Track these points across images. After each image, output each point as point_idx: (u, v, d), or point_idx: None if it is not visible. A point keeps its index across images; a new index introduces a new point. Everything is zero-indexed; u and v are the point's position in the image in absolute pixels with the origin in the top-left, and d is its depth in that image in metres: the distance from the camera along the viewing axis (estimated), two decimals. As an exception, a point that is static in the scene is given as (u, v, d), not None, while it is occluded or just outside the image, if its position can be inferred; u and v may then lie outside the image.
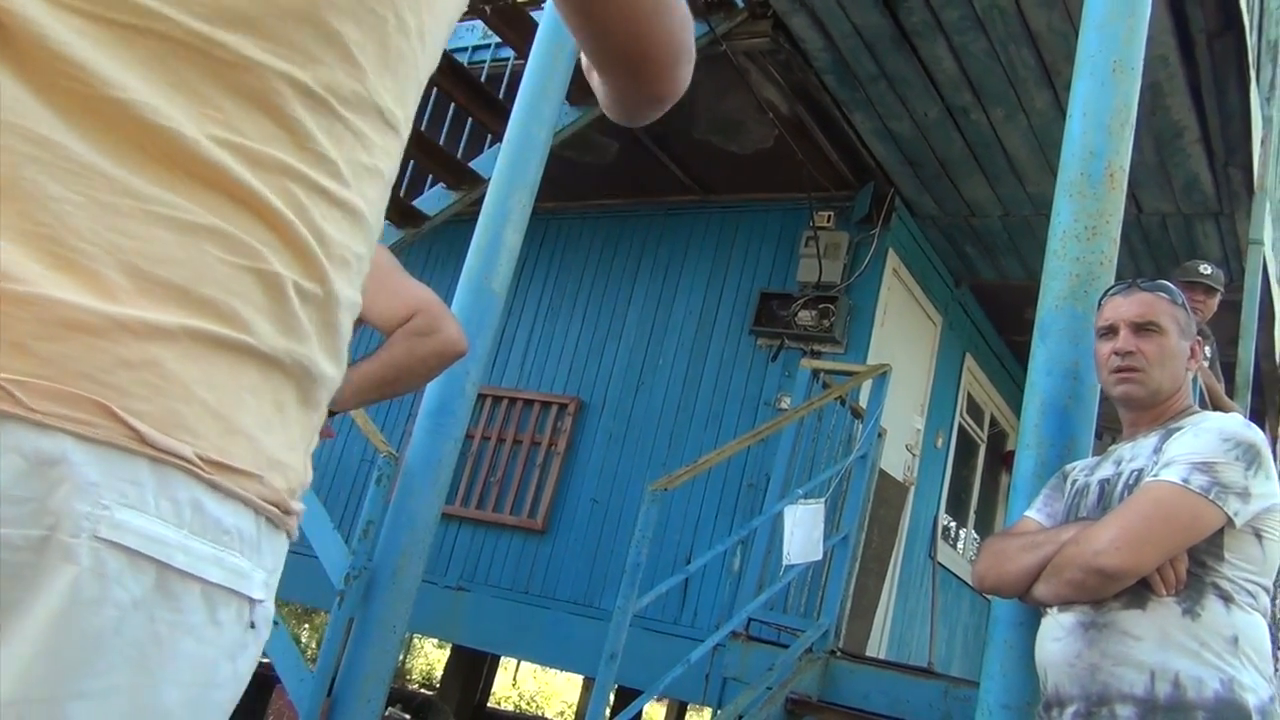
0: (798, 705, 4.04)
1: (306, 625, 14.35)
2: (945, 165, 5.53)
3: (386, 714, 5.18)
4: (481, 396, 6.18)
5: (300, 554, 3.74)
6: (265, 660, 3.78)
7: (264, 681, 5.94)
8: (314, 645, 13.44)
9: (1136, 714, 1.72)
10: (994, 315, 7.51)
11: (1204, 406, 4.38)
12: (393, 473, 3.29)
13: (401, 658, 15.38)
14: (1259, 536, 1.83)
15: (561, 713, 16.33)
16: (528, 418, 6.20)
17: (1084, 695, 1.80)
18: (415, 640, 15.98)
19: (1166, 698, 1.71)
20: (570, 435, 6.04)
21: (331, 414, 2.23)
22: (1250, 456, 1.82)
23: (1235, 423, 1.88)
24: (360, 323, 2.52)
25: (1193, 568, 1.80)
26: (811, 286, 5.75)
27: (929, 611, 6.63)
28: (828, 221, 5.83)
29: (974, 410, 7.61)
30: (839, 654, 4.45)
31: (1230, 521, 1.78)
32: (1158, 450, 1.91)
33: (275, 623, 3.27)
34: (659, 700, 16.42)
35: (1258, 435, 1.86)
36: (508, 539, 5.95)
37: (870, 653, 5.63)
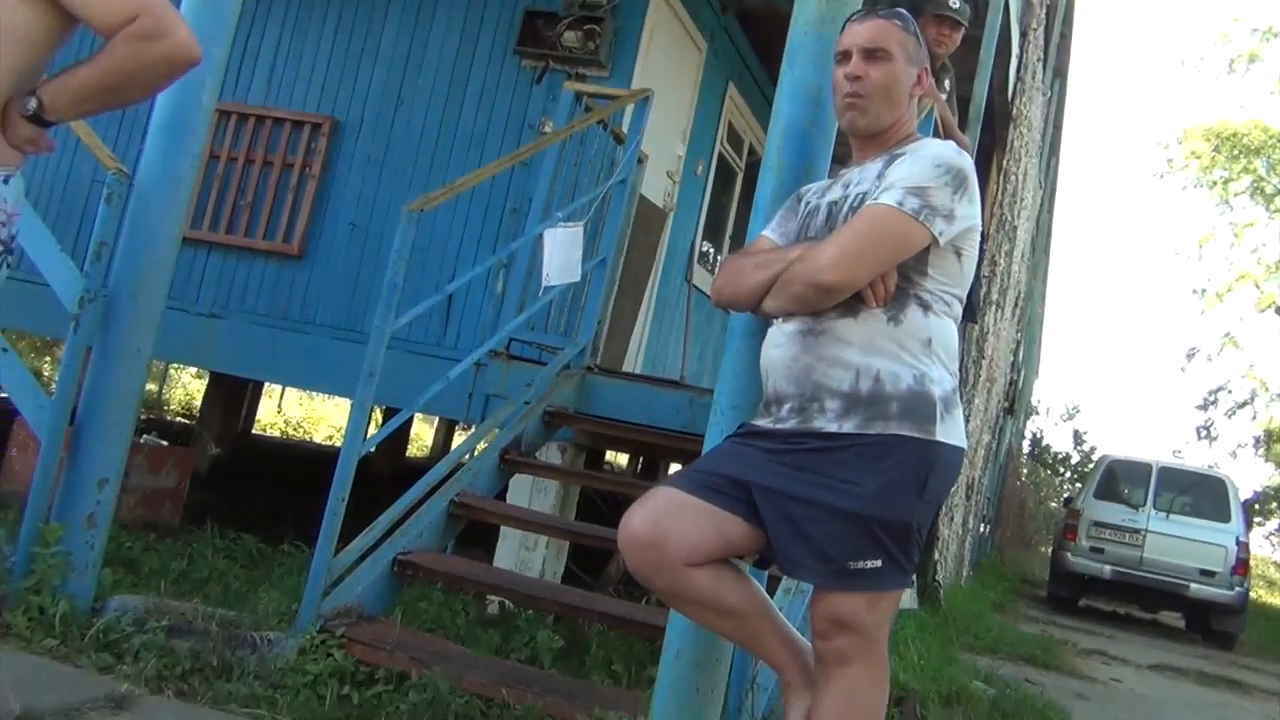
0: (555, 417, 4.28)
1: (48, 358, 13.59)
2: (715, -120, 5.35)
3: (141, 440, 5.10)
4: (225, 113, 5.77)
5: (31, 282, 3.52)
6: (2, 395, 3.60)
7: (2, 414, 5.66)
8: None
9: (841, 406, 1.95)
10: (758, 44, 7.55)
11: (938, 137, 4.68)
12: (125, 191, 3.08)
13: (157, 387, 14.94)
14: (959, 254, 2.04)
15: (330, 437, 16.54)
16: (278, 137, 5.85)
17: (799, 393, 2.00)
18: (171, 370, 15.51)
19: (868, 392, 1.94)
20: (325, 157, 5.77)
21: (49, 124, 2.04)
22: (958, 182, 1.99)
23: (948, 150, 2.04)
24: (78, 23, 2.27)
25: (900, 281, 1.99)
26: (577, 6, 5.56)
27: (683, 331, 7.03)
28: (595, -64, 5.57)
29: (734, 139, 7.79)
30: (595, 370, 4.70)
31: (935, 241, 1.97)
32: (881, 175, 2.05)
33: (4, 350, 3.10)
34: (429, 422, 16.86)
35: (966, 162, 2.03)
36: (262, 264, 5.75)
37: (626, 369, 5.96)
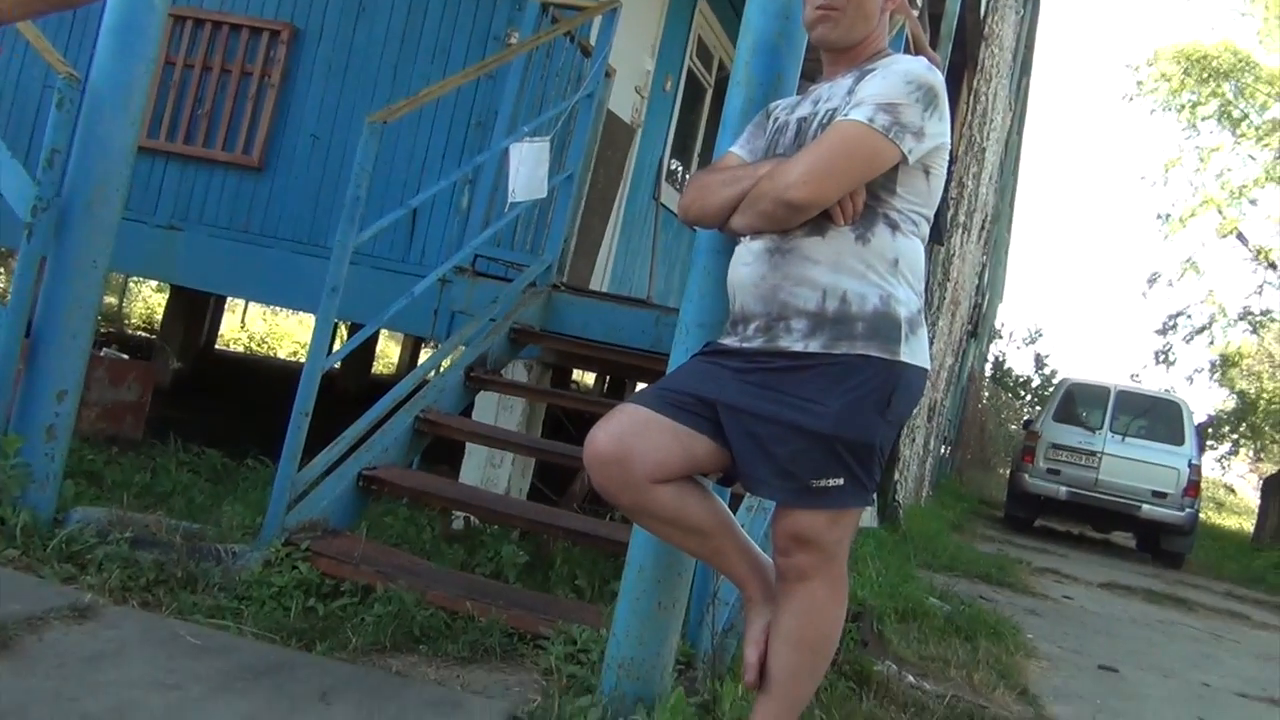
0: (521, 334, 4.26)
1: (1, 270, 13.32)
2: None
3: (101, 354, 5.03)
4: (180, 18, 5.59)
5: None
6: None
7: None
8: (14, 290, 12.53)
9: (808, 326, 1.94)
10: (730, -44, 7.41)
11: (909, 54, 4.61)
12: (77, 97, 2.98)
13: (118, 301, 14.71)
14: (927, 172, 2.03)
15: (294, 353, 16.42)
16: (235, 44, 5.68)
17: (765, 312, 2.00)
18: (132, 283, 15.27)
19: (834, 312, 1.94)
20: (285, 65, 5.61)
21: (-8, 25, 1.96)
22: (929, 99, 1.97)
23: (920, 66, 2.01)
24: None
25: (868, 200, 1.98)
26: (545, -89, 5.39)
27: (650, 250, 6.99)
28: None
29: (703, 54, 7.66)
30: (562, 288, 4.67)
31: (905, 158, 1.95)
32: (851, 91, 2.02)
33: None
34: (395, 339, 16.77)
35: (938, 79, 2.00)
36: (221, 176, 5.63)
37: (593, 288, 5.93)
